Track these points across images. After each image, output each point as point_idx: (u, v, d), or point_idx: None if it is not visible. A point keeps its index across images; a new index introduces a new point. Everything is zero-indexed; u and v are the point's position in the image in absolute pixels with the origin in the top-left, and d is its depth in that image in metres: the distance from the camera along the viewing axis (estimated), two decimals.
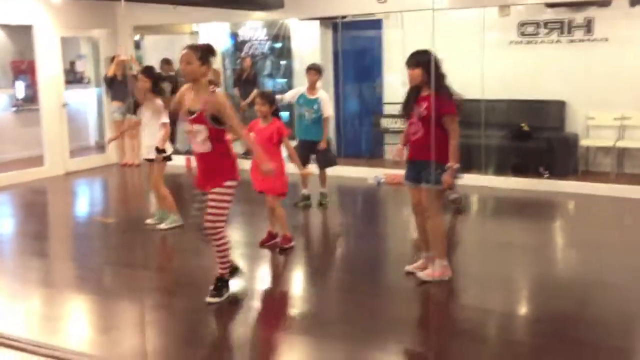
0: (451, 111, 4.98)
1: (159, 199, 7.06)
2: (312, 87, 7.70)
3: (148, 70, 6.93)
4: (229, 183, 4.78)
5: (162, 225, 6.94)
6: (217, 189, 4.75)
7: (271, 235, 6.31)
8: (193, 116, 4.70)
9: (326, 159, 7.83)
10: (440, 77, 5.02)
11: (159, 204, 7.12)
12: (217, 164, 4.77)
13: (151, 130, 6.77)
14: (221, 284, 4.96)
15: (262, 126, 6.06)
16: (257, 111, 6.13)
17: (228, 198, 4.78)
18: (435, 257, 5.23)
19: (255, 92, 10.29)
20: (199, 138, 4.71)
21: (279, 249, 6.17)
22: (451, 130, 4.99)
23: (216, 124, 4.68)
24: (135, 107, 7.00)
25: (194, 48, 4.71)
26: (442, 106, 4.91)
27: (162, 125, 6.72)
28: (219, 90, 4.84)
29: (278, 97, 7.88)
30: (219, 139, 4.75)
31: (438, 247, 5.22)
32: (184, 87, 4.91)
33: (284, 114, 11.00)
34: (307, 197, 7.90)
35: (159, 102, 6.73)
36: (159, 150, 6.70)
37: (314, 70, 7.70)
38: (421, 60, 4.98)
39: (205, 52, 4.71)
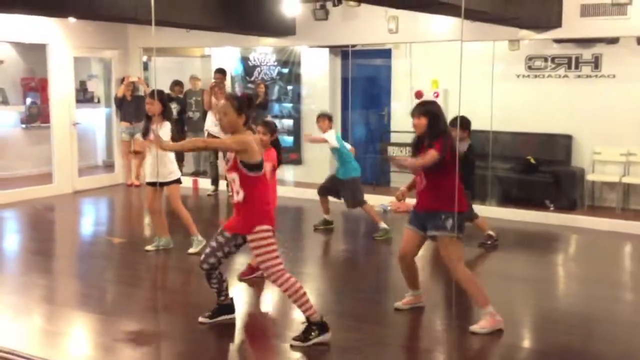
0: (437, 148, 4.79)
1: (156, 223, 7.06)
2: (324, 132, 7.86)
3: (157, 94, 6.84)
4: (258, 228, 4.54)
5: (191, 250, 6.86)
6: (249, 237, 4.56)
7: (252, 269, 6.21)
8: (229, 165, 4.59)
9: (355, 198, 7.84)
10: (443, 126, 4.95)
11: (156, 229, 7.11)
12: (247, 211, 4.57)
13: (165, 153, 6.62)
14: (308, 326, 4.62)
15: None
16: (260, 140, 6.13)
17: (265, 242, 4.53)
18: (477, 305, 5.00)
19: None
20: (235, 187, 4.58)
21: None
22: (427, 155, 4.79)
23: (247, 169, 4.49)
24: (145, 130, 6.89)
25: (230, 98, 4.56)
26: (433, 146, 4.80)
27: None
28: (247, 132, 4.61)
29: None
30: (251, 185, 4.54)
31: (475, 295, 4.96)
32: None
33: (288, 139, 11.11)
34: (328, 222, 8.08)
35: (167, 125, 6.66)
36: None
37: (324, 117, 7.82)
38: (428, 110, 4.95)
39: (242, 102, 4.56)
